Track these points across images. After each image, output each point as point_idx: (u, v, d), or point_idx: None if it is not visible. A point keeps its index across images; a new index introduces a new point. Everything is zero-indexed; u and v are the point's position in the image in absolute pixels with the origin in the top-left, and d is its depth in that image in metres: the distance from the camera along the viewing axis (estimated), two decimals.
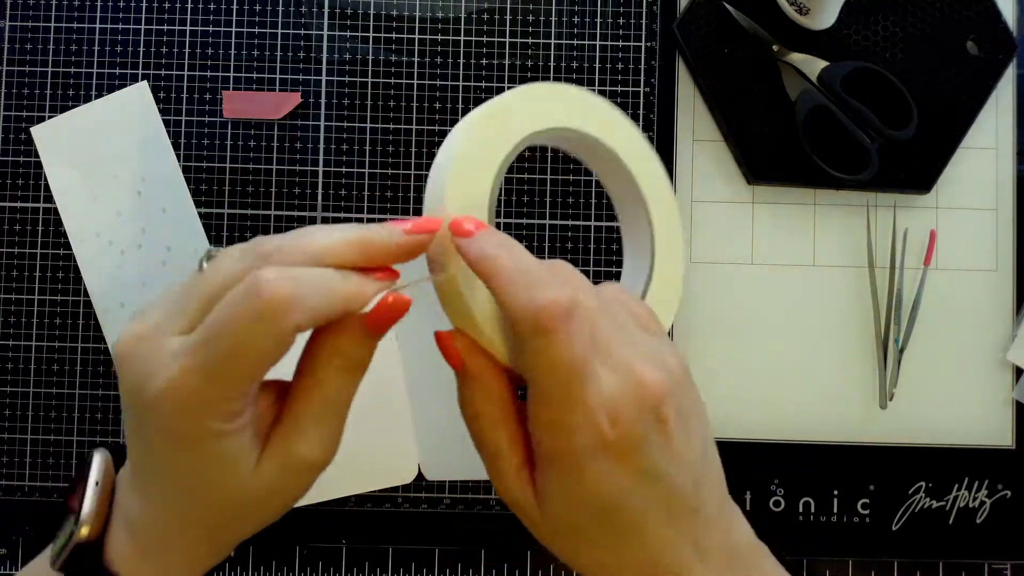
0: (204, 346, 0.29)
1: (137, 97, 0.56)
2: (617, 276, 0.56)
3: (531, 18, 0.57)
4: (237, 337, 0.28)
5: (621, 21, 0.57)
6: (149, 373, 0.29)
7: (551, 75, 0.57)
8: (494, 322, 0.32)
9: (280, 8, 0.57)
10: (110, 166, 0.55)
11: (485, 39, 0.57)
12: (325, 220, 0.56)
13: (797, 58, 0.56)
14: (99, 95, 0.56)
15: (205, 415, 0.29)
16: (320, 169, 0.56)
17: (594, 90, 0.57)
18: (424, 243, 0.32)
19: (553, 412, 0.30)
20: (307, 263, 0.30)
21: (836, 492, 0.56)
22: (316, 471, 0.32)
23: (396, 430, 0.55)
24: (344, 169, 0.56)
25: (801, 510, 0.56)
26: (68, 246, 0.55)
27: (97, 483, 0.33)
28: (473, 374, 0.33)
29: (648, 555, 0.32)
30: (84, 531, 0.32)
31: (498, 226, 0.56)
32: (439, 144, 0.56)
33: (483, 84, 0.57)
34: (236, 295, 0.28)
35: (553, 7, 0.57)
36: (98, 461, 0.33)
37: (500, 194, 0.56)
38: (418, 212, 0.56)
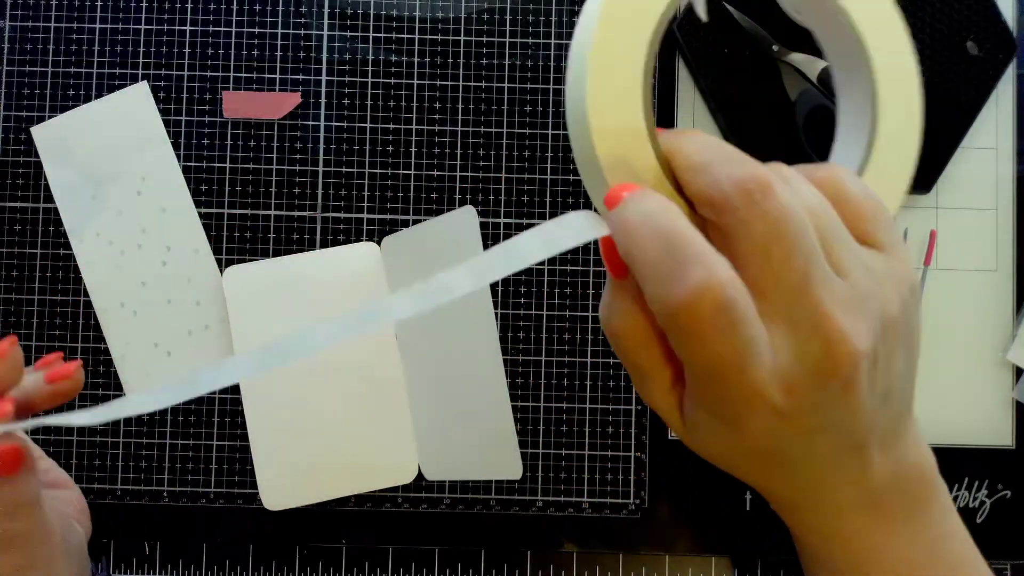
0: None
1: (137, 97, 0.56)
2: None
3: (531, 18, 0.57)
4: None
5: None
6: None
7: (551, 75, 0.57)
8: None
9: (280, 8, 0.57)
10: (110, 166, 0.55)
11: (485, 39, 0.57)
12: (325, 220, 0.56)
13: (797, 58, 0.56)
14: (99, 95, 0.56)
15: None
16: (320, 169, 0.56)
17: None
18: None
19: (711, 392, 0.27)
20: None
21: None
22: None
23: (396, 430, 0.55)
24: (344, 169, 0.56)
25: None
26: (68, 246, 0.55)
27: None
28: (628, 285, 0.28)
29: (798, 487, 0.30)
30: None
31: (497, 226, 0.56)
32: (439, 144, 0.56)
33: (483, 84, 0.57)
34: None
35: (553, 7, 0.57)
36: None
37: (495, 193, 0.56)
38: (417, 210, 0.56)
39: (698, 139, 0.27)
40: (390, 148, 0.57)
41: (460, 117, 0.57)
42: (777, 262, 0.25)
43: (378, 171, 0.57)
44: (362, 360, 0.55)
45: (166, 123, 0.56)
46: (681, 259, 0.24)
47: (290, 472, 0.54)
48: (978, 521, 0.56)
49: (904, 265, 0.28)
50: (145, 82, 0.56)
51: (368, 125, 0.57)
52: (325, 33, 0.57)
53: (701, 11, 0.34)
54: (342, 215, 0.56)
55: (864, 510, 0.30)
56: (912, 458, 0.30)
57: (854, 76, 0.32)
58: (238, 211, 0.56)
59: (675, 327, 0.25)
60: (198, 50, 0.57)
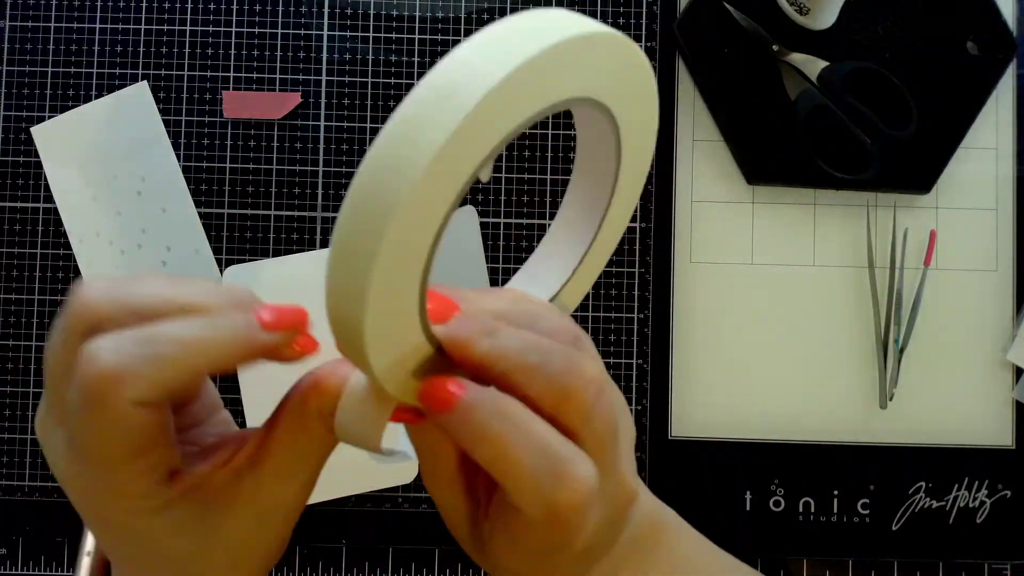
0: (70, 441, 0.25)
1: (137, 97, 0.56)
2: (613, 276, 0.56)
3: None
4: (85, 431, 0.24)
5: (621, 21, 0.57)
6: (54, 463, 0.27)
7: None
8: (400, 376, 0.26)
9: (280, 8, 0.57)
10: (110, 166, 0.55)
11: None
12: (325, 220, 0.56)
13: (797, 58, 0.56)
14: (99, 95, 0.56)
15: (112, 502, 0.26)
16: (320, 169, 0.56)
17: None
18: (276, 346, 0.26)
19: (530, 562, 0.28)
20: (134, 320, 0.24)
21: (836, 492, 0.56)
22: (294, 515, 0.29)
23: (396, 430, 0.55)
24: (344, 169, 0.56)
25: (801, 510, 0.56)
26: (68, 246, 0.55)
27: (89, 554, 0.31)
28: (428, 451, 0.30)
29: None
30: None
31: (497, 226, 0.56)
32: None
33: None
34: (72, 382, 0.24)
35: (553, 7, 0.57)
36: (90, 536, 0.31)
37: (495, 193, 0.56)
38: None
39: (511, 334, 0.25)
40: None
41: None
42: (610, 447, 0.26)
43: None
44: None
45: (166, 123, 0.56)
46: (562, 461, 0.24)
47: None
48: (978, 521, 0.56)
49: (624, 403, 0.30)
50: (145, 82, 0.56)
51: (368, 125, 0.57)
52: (325, 33, 0.57)
53: (485, 175, 0.23)
54: None
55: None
56: (639, 519, 0.31)
57: (593, 189, 0.31)
58: (238, 211, 0.56)
59: (549, 527, 0.25)
60: (198, 50, 0.57)
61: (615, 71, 0.28)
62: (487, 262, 0.55)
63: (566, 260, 0.31)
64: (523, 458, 0.24)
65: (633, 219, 0.57)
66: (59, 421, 0.26)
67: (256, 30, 0.57)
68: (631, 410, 0.56)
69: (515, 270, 0.56)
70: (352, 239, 0.22)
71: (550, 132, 0.56)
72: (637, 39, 0.57)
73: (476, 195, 0.56)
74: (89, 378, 0.23)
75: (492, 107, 0.23)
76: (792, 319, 0.57)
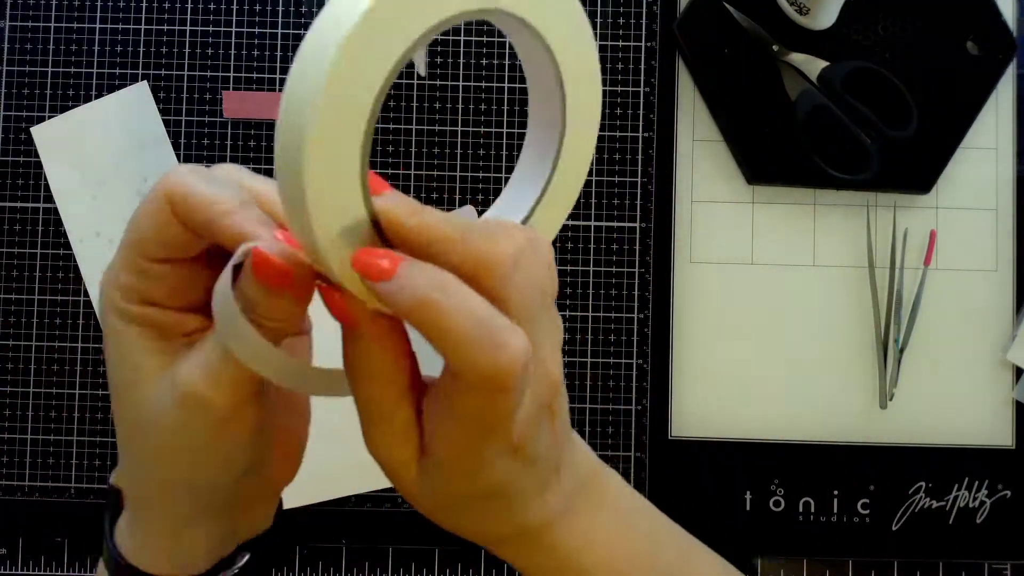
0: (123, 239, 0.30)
1: (137, 97, 0.56)
2: (611, 275, 0.56)
3: None
4: (133, 220, 0.30)
5: (621, 21, 0.57)
6: (109, 322, 0.30)
7: None
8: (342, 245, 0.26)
9: (280, 8, 0.57)
10: (110, 166, 0.55)
11: (485, 39, 0.57)
12: None
13: (797, 58, 0.56)
14: (99, 95, 0.56)
15: (112, 288, 0.29)
16: None
17: None
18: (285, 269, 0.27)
19: (471, 443, 0.28)
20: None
21: (836, 492, 0.56)
22: (202, 411, 0.28)
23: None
24: None
25: (801, 510, 0.56)
26: (68, 246, 0.55)
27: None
28: (372, 332, 0.29)
29: (521, 517, 0.32)
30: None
31: None
32: (439, 144, 0.56)
33: (483, 84, 0.57)
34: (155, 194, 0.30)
35: None
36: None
37: (494, 193, 0.57)
38: None
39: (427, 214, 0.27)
40: (390, 148, 0.57)
41: (460, 117, 0.57)
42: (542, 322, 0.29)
43: (378, 171, 0.56)
44: None
45: (166, 123, 0.56)
46: (497, 329, 0.25)
47: None
48: (978, 521, 0.56)
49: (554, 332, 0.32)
50: (145, 82, 0.56)
51: None
52: None
53: (421, 68, 0.34)
54: None
55: (564, 516, 0.33)
56: (580, 459, 0.34)
57: (544, 116, 0.32)
58: None
59: (487, 389, 0.26)
60: (198, 50, 0.57)
61: None
62: None
63: (532, 186, 0.33)
64: (462, 322, 0.25)
65: (633, 219, 0.57)
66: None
67: (256, 30, 0.57)
68: (632, 410, 0.56)
69: None
70: (294, 100, 0.24)
71: None
72: (637, 39, 0.57)
73: (476, 195, 0.56)
74: (159, 186, 0.30)
75: (379, 20, 0.24)
76: (792, 319, 0.57)
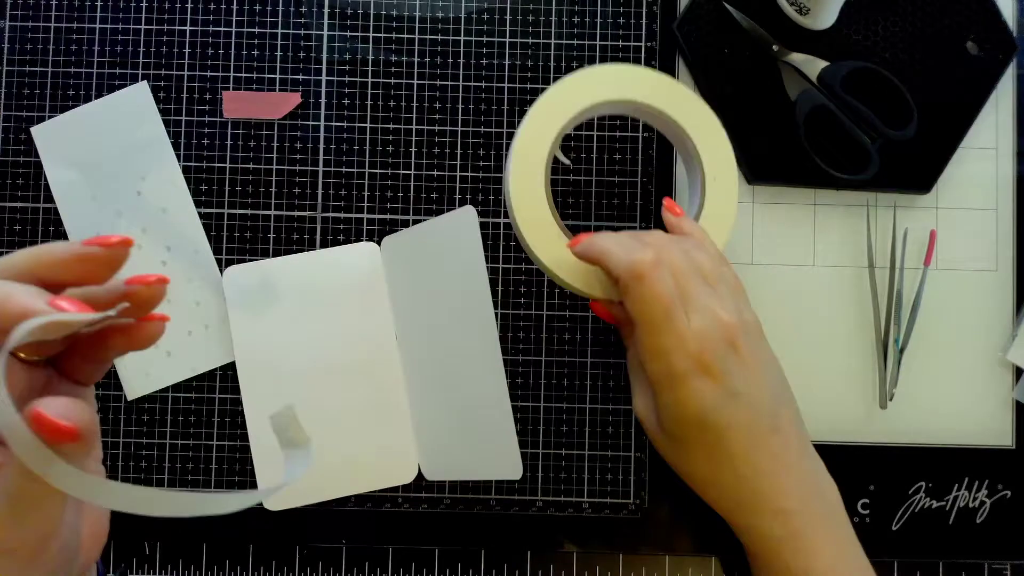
0: None
1: (137, 97, 0.56)
2: None
3: (531, 18, 0.57)
4: None
5: (621, 21, 0.57)
6: None
7: (551, 75, 0.57)
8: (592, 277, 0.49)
9: (280, 8, 0.57)
10: (110, 166, 0.55)
11: (485, 39, 0.57)
12: (325, 220, 0.56)
13: (797, 58, 0.56)
14: (99, 95, 0.56)
15: None
16: (320, 169, 0.56)
17: None
18: (99, 257, 0.30)
19: (654, 340, 0.42)
20: None
21: None
22: (8, 558, 0.28)
23: (396, 430, 0.55)
24: (344, 169, 0.56)
25: None
26: None
27: None
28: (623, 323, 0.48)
29: (733, 464, 0.44)
30: None
31: (497, 226, 0.56)
32: (439, 144, 0.56)
33: (483, 84, 0.57)
34: None
35: (553, 7, 0.57)
36: None
37: (495, 193, 0.57)
38: (417, 210, 0.56)
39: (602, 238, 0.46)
40: (390, 148, 0.57)
41: (460, 117, 0.57)
42: (681, 282, 0.44)
43: (378, 171, 0.57)
44: (362, 360, 0.55)
45: (166, 123, 0.56)
46: (637, 246, 0.44)
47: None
48: (978, 521, 0.56)
49: (750, 304, 0.47)
50: (145, 82, 0.56)
51: (368, 125, 0.57)
52: (325, 33, 0.57)
53: (564, 158, 0.55)
54: (342, 215, 0.56)
55: (798, 504, 0.44)
56: (817, 461, 0.47)
57: (691, 164, 0.52)
58: (238, 211, 0.56)
59: (632, 276, 0.43)
60: (198, 50, 0.57)
61: (654, 86, 0.50)
62: (487, 262, 0.55)
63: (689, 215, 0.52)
64: (613, 247, 0.44)
65: (633, 219, 0.57)
66: None
67: (256, 30, 0.57)
68: (631, 410, 0.56)
69: (515, 270, 0.57)
70: (504, 185, 0.49)
71: None
72: (637, 39, 0.57)
73: (476, 195, 0.56)
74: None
75: (551, 103, 0.49)
76: (792, 319, 0.57)
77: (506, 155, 0.47)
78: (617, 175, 0.57)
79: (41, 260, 0.29)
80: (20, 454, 0.25)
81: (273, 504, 0.54)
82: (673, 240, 0.45)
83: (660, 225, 0.57)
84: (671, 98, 0.50)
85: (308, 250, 0.56)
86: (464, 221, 0.55)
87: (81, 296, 0.29)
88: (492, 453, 0.54)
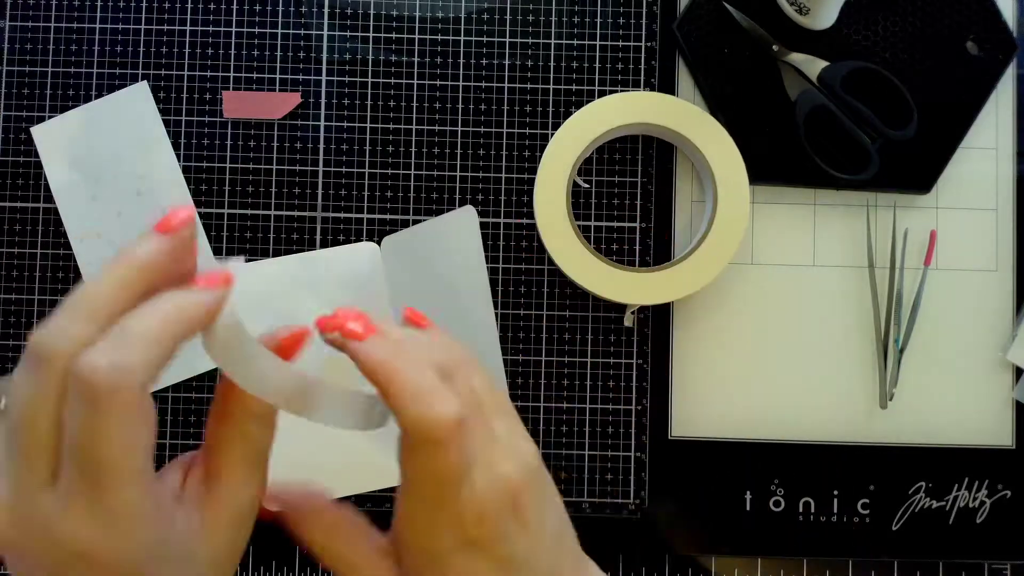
0: (83, 483, 0.26)
1: (137, 97, 0.56)
2: None
3: (531, 18, 0.57)
4: (109, 451, 0.26)
5: (621, 21, 0.57)
6: (41, 550, 0.26)
7: (551, 75, 0.57)
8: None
9: (280, 8, 0.57)
10: (110, 166, 0.55)
11: (485, 39, 0.57)
12: (325, 220, 0.56)
13: (797, 58, 0.56)
14: (99, 95, 0.56)
15: (126, 540, 0.27)
16: (320, 169, 0.56)
17: (594, 90, 0.57)
18: (180, 240, 0.29)
19: (426, 514, 0.31)
20: (103, 325, 0.26)
21: (836, 492, 0.56)
22: (255, 515, 0.32)
23: (396, 430, 0.55)
24: (344, 169, 0.56)
25: (801, 510, 0.56)
26: (68, 246, 0.55)
27: None
28: (324, 523, 0.35)
29: None
30: None
31: (497, 226, 0.56)
32: (439, 144, 0.56)
33: (483, 84, 0.57)
34: (76, 413, 0.25)
35: (553, 7, 0.57)
36: None
37: (495, 193, 0.57)
38: (417, 210, 0.56)
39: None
40: (390, 148, 0.57)
41: (460, 117, 0.57)
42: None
43: (378, 171, 0.57)
44: None
45: (166, 123, 0.56)
46: (433, 390, 0.30)
47: (290, 472, 0.54)
48: (978, 521, 0.56)
49: (524, 430, 0.34)
50: (145, 82, 0.56)
51: (368, 125, 0.57)
52: (325, 33, 0.57)
53: (581, 182, 0.57)
54: (342, 215, 0.56)
55: None
56: None
57: (704, 174, 0.56)
58: (238, 211, 0.56)
59: (424, 439, 0.30)
60: (198, 50, 0.57)
61: (661, 107, 0.55)
62: (487, 262, 0.55)
63: (697, 232, 0.56)
64: (403, 378, 0.30)
65: (633, 219, 0.57)
66: (49, 479, 0.26)
67: (256, 30, 0.57)
68: (632, 410, 0.56)
69: (515, 270, 0.57)
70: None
71: (550, 132, 0.56)
72: (637, 39, 0.57)
73: (476, 195, 0.56)
74: (99, 389, 0.25)
75: (570, 130, 0.54)
76: (792, 319, 0.57)
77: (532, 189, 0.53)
78: (617, 175, 0.57)
79: (147, 270, 0.28)
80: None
81: (273, 504, 0.54)
82: (458, 362, 0.33)
83: (659, 224, 0.57)
84: (679, 116, 0.54)
85: (308, 250, 0.56)
86: (464, 221, 0.55)
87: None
88: None
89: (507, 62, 0.57)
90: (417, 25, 0.57)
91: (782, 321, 0.57)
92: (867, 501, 0.56)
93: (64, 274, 0.56)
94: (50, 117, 0.56)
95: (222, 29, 0.57)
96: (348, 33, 0.57)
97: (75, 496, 0.26)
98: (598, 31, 0.57)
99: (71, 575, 0.26)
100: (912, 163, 0.56)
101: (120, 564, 0.26)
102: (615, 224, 0.56)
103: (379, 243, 0.56)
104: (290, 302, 0.55)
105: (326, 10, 0.57)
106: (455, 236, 0.55)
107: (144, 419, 0.26)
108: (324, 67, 0.57)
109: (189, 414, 0.55)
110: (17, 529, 0.26)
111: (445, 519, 0.31)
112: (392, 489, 0.55)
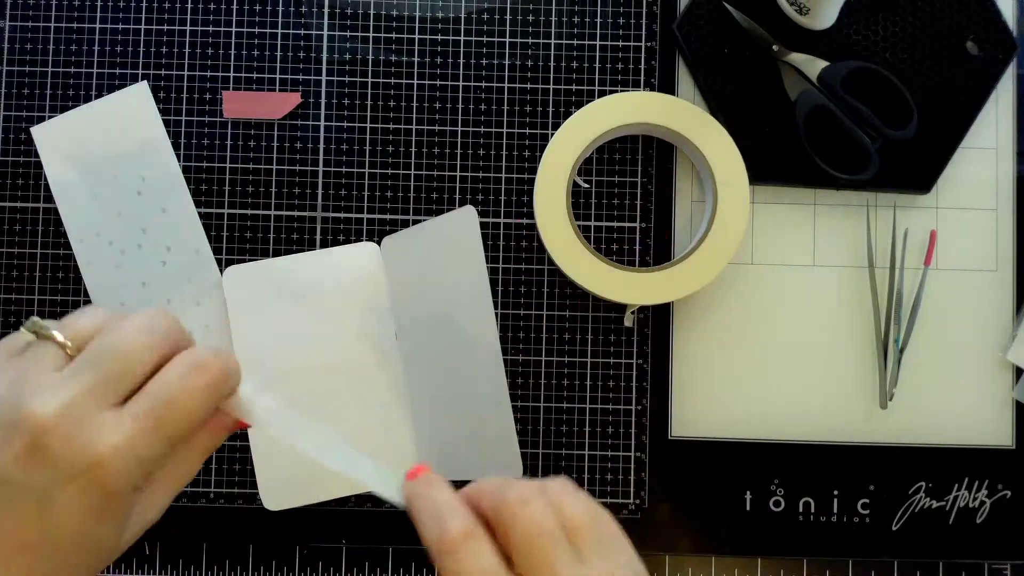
0: (152, 414, 0.32)
1: (137, 97, 0.56)
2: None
3: (531, 18, 0.57)
4: (188, 403, 0.32)
5: (621, 21, 0.57)
6: (89, 441, 0.30)
7: (551, 75, 0.57)
8: None
9: (280, 8, 0.57)
10: (110, 166, 0.55)
11: (485, 39, 0.57)
12: (325, 220, 0.56)
13: (797, 58, 0.56)
14: (99, 95, 0.56)
15: (138, 475, 0.32)
16: (320, 169, 0.56)
17: (594, 90, 0.57)
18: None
19: None
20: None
21: (836, 492, 0.56)
22: (149, 526, 0.35)
23: (396, 430, 0.55)
24: (344, 169, 0.56)
25: (801, 510, 0.56)
26: (68, 246, 0.55)
27: None
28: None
29: None
30: None
31: (497, 226, 0.56)
32: (439, 144, 0.56)
33: (483, 84, 0.57)
34: (183, 371, 0.33)
35: (553, 7, 0.57)
36: None
37: (495, 193, 0.57)
38: (417, 210, 0.56)
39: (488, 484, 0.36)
40: (390, 148, 0.57)
41: (460, 117, 0.57)
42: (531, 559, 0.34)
43: (378, 171, 0.57)
44: (362, 360, 0.55)
45: (166, 123, 0.56)
46: (455, 509, 0.34)
47: (290, 472, 0.54)
48: (978, 521, 0.56)
49: (626, 547, 0.38)
50: (145, 82, 0.56)
51: (368, 125, 0.57)
52: (325, 33, 0.57)
53: (581, 182, 0.57)
54: (342, 215, 0.56)
55: None
56: None
57: (704, 173, 0.56)
58: (238, 211, 0.56)
59: (439, 550, 0.33)
60: (198, 50, 0.57)
61: (662, 107, 0.55)
62: (487, 262, 0.55)
63: (697, 233, 0.56)
64: (426, 507, 0.35)
65: (633, 219, 0.57)
66: (117, 403, 0.32)
67: (256, 30, 0.57)
68: (632, 410, 0.56)
69: (515, 270, 0.57)
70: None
71: (550, 132, 0.56)
72: (637, 39, 0.57)
73: (476, 195, 0.56)
74: (214, 371, 0.33)
75: (570, 130, 0.55)
76: (792, 319, 0.57)
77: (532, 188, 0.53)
78: (617, 175, 0.57)
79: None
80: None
81: (272, 504, 0.54)
82: (536, 488, 0.35)
83: (659, 224, 0.57)
84: (679, 116, 0.54)
85: (308, 250, 0.56)
86: (464, 221, 0.55)
87: None
88: (492, 452, 0.54)
89: (507, 62, 0.57)
90: (417, 25, 0.57)
91: (782, 321, 0.57)
92: (867, 501, 0.56)
93: (64, 274, 0.56)
94: (50, 117, 0.56)
95: (222, 29, 0.57)
96: (348, 33, 0.57)
97: (135, 419, 0.31)
98: (598, 31, 0.57)
99: (75, 481, 0.30)
100: (912, 163, 0.56)
101: (117, 484, 0.31)
102: (615, 224, 0.56)
103: (379, 243, 0.56)
104: (289, 303, 0.55)
105: (326, 10, 0.57)
106: (455, 236, 0.55)
107: (203, 414, 0.33)
108: (324, 67, 0.57)
109: None
110: (61, 423, 0.30)
111: None
112: None
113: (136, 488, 0.32)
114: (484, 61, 0.57)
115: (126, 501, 0.32)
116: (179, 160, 0.56)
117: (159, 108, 0.56)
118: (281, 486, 0.54)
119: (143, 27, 0.57)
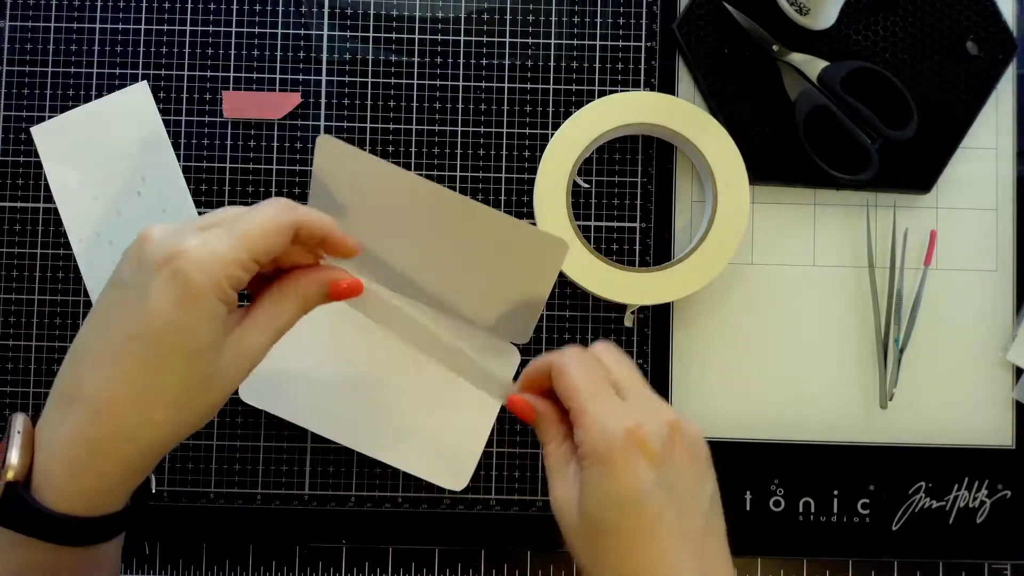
0: (231, 223, 0.38)
1: (137, 97, 0.56)
2: None
3: (531, 18, 0.57)
4: (264, 220, 0.38)
5: (621, 21, 0.57)
6: (176, 240, 0.36)
7: (551, 75, 0.57)
8: None
9: (280, 8, 0.57)
10: (110, 166, 0.55)
11: (485, 39, 0.57)
12: None
13: (797, 58, 0.56)
14: (99, 95, 0.56)
15: (216, 272, 0.36)
16: None
17: (594, 90, 0.57)
18: (335, 247, 0.42)
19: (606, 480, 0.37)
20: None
21: (836, 492, 0.56)
22: (250, 366, 0.39)
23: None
24: None
25: (801, 510, 0.56)
26: (68, 246, 0.55)
27: (19, 432, 0.36)
28: (540, 418, 0.42)
29: (653, 559, 0.37)
30: (10, 473, 0.36)
31: None
32: (439, 144, 0.56)
33: (483, 84, 0.57)
34: (267, 202, 0.39)
35: (553, 7, 0.57)
36: (19, 418, 0.37)
37: (495, 193, 0.57)
38: None
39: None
40: (390, 148, 0.57)
41: (460, 117, 0.57)
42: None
43: None
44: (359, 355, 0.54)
45: (166, 123, 0.56)
46: (617, 407, 0.39)
47: (281, 379, 0.54)
48: (978, 521, 0.56)
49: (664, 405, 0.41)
50: (145, 82, 0.56)
51: (368, 125, 0.57)
52: (325, 33, 0.57)
53: (581, 182, 0.57)
54: None
55: None
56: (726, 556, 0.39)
57: (704, 172, 0.56)
58: None
59: (597, 458, 0.37)
60: (198, 50, 0.57)
61: (662, 107, 0.55)
62: None
63: (698, 231, 0.56)
64: (590, 400, 0.39)
65: (633, 219, 0.57)
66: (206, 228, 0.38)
67: (256, 30, 0.57)
68: None
69: None
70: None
71: (549, 132, 0.56)
72: (637, 39, 0.57)
73: (476, 195, 0.56)
74: (283, 201, 0.39)
75: (570, 130, 0.55)
76: (792, 319, 0.57)
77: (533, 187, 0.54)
78: (617, 175, 0.57)
79: (305, 226, 0.39)
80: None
81: (249, 397, 0.54)
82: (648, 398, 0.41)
83: (659, 224, 0.57)
84: (679, 116, 0.54)
85: None
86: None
87: None
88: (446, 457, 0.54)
89: (507, 62, 0.57)
90: (417, 25, 0.57)
91: (782, 321, 0.57)
92: (867, 501, 0.56)
93: (64, 274, 0.56)
94: (50, 117, 0.56)
95: (222, 29, 0.57)
96: (348, 33, 0.57)
97: (215, 227, 0.38)
98: (598, 31, 0.57)
99: (162, 271, 0.36)
100: (912, 163, 0.56)
101: (198, 279, 0.36)
102: (615, 224, 0.56)
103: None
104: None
105: (326, 10, 0.57)
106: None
107: (278, 229, 0.39)
108: (324, 67, 0.57)
109: None
110: (160, 233, 0.37)
111: (614, 425, 0.38)
112: (393, 489, 0.55)
113: (219, 291, 0.36)
114: (484, 61, 0.57)
115: (209, 302, 0.36)
116: (179, 160, 0.56)
117: (159, 108, 0.56)
118: (265, 385, 0.54)
119: (143, 27, 0.57)
